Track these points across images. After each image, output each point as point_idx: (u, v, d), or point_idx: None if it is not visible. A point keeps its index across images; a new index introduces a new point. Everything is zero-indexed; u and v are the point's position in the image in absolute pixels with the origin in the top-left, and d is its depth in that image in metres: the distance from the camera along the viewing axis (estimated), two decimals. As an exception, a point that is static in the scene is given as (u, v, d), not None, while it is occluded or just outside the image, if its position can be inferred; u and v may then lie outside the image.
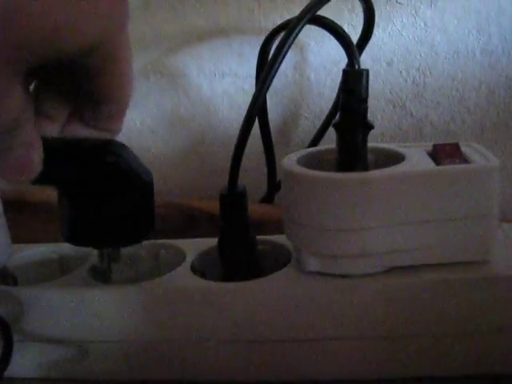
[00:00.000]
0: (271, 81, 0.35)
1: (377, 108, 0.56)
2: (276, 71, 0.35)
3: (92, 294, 0.35)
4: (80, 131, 0.31)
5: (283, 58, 0.35)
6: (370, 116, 0.32)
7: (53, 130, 0.30)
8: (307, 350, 0.34)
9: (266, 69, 0.35)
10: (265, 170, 0.55)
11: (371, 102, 0.32)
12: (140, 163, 0.33)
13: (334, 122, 0.33)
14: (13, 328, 0.35)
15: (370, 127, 0.33)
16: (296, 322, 0.34)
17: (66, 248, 0.42)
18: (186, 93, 0.60)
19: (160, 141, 0.63)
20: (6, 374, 0.33)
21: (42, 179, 0.29)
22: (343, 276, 0.33)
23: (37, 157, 0.28)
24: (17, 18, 0.21)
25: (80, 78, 0.27)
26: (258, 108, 0.35)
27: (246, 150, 0.37)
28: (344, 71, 0.32)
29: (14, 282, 0.41)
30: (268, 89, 0.35)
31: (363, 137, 0.33)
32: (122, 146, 0.32)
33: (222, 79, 0.58)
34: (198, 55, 0.58)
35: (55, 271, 0.42)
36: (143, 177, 0.32)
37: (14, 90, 0.23)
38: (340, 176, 0.31)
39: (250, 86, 0.51)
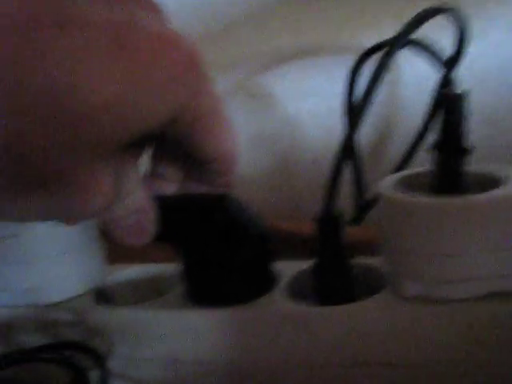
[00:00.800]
0: (368, 106, 0.35)
1: (470, 126, 0.54)
2: (372, 97, 0.35)
3: (189, 316, 0.35)
4: (195, 188, 0.32)
5: (379, 83, 0.35)
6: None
7: (170, 189, 0.32)
8: (405, 375, 0.33)
9: (364, 95, 0.35)
10: (352, 190, 0.54)
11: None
12: (252, 217, 0.34)
13: (430, 144, 0.33)
14: (110, 349, 0.36)
15: (469, 151, 0.32)
16: (394, 347, 0.33)
17: (159, 268, 0.42)
18: (271, 113, 0.60)
19: (244, 162, 0.62)
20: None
21: (159, 238, 0.30)
22: (442, 301, 0.32)
23: (149, 221, 0.29)
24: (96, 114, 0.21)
25: (174, 143, 0.27)
26: (356, 128, 0.35)
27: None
28: (442, 93, 0.32)
29: (111, 300, 0.41)
30: (364, 115, 0.35)
31: (461, 160, 0.32)
32: (235, 200, 0.33)
33: (308, 99, 0.58)
34: (284, 75, 0.58)
35: (149, 291, 0.43)
36: (254, 232, 0.34)
37: (97, 180, 0.23)
38: (440, 201, 0.30)
39: (337, 106, 0.51)
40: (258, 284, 0.36)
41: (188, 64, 0.23)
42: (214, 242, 0.33)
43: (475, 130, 0.54)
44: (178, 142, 0.27)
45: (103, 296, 0.41)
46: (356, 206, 0.54)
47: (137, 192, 0.27)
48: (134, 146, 0.27)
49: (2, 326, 0.38)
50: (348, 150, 0.35)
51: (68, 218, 0.25)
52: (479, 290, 0.31)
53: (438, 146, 0.32)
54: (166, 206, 0.31)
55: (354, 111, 0.35)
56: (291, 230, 0.50)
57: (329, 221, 0.35)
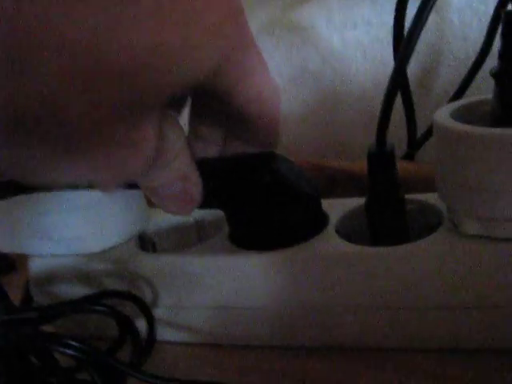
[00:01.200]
0: (418, 38, 0.32)
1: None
2: (423, 26, 0.32)
3: (237, 260, 0.34)
4: (239, 149, 0.31)
5: (430, 11, 0.32)
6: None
7: (212, 151, 0.31)
8: (464, 317, 0.32)
9: (414, 21, 0.32)
10: (403, 123, 0.52)
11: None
12: (301, 175, 0.33)
13: (492, 70, 0.30)
14: (155, 297, 0.36)
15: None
16: (454, 288, 0.31)
17: (202, 212, 0.41)
18: (314, 46, 0.57)
19: (288, 98, 0.61)
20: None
21: (206, 204, 0.30)
22: (503, 239, 0.30)
23: (195, 188, 0.29)
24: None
25: (215, 100, 0.26)
26: (407, 61, 0.32)
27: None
28: (506, 14, 0.29)
29: (153, 247, 0.41)
30: (415, 46, 0.32)
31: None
32: (282, 159, 0.32)
33: (353, 29, 0.55)
34: (326, 5, 0.55)
35: (192, 236, 0.42)
36: (303, 191, 0.33)
37: (140, 135, 0.23)
38: (502, 132, 0.27)
39: (385, 35, 0.48)
40: (308, 225, 0.34)
41: (227, 13, 0.23)
42: (263, 204, 0.32)
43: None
44: (219, 100, 0.26)
45: (145, 242, 0.40)
46: (409, 140, 0.52)
47: (181, 156, 0.27)
48: (175, 105, 0.27)
49: (46, 276, 0.38)
50: (399, 81, 0.33)
51: (108, 181, 0.24)
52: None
53: (497, 73, 0.30)
54: (211, 169, 0.30)
55: (404, 40, 0.32)
56: (341, 168, 0.48)
57: (381, 156, 0.33)
